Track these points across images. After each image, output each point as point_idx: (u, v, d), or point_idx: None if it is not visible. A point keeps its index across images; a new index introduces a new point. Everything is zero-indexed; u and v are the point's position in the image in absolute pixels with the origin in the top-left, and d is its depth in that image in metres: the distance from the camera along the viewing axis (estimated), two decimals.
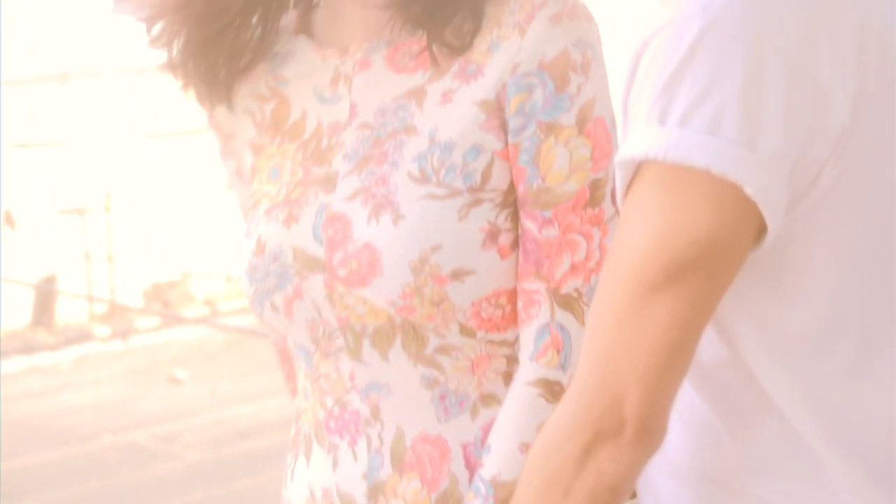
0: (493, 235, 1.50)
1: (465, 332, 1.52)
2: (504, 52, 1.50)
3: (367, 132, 1.56)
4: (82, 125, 11.21)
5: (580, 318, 1.50)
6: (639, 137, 1.25)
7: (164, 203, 10.84)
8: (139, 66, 13.49)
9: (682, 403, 1.38)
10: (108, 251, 10.37)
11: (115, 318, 10.15)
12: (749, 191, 1.22)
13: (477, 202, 1.50)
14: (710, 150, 1.21)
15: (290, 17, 1.66)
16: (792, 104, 1.23)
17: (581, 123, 1.48)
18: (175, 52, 1.62)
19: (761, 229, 1.26)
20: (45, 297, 10.08)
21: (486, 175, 1.50)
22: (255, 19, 1.61)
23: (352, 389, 1.57)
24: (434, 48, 1.53)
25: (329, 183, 1.56)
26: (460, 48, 1.52)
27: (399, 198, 1.51)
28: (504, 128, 1.50)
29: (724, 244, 1.23)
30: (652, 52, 1.25)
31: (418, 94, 1.54)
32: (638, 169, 1.25)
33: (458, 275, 1.49)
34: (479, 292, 1.50)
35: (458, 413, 1.55)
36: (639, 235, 1.24)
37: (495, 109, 1.50)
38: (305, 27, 1.64)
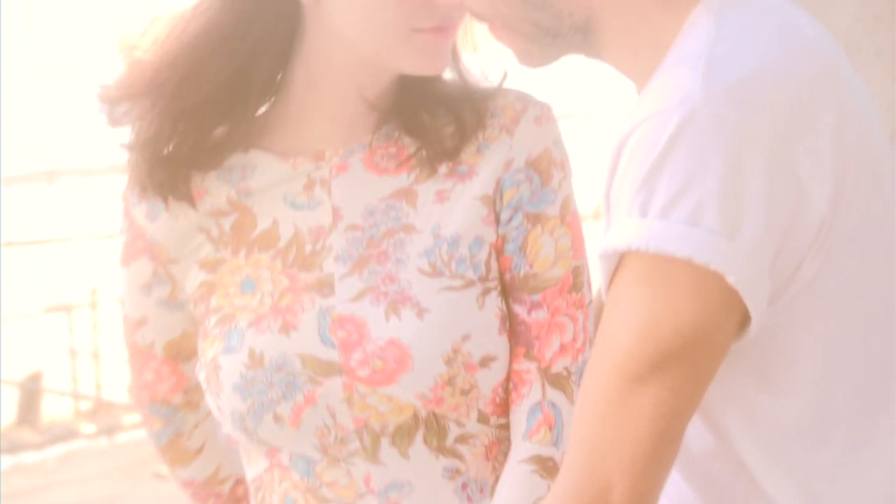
0: (503, 321, 1.57)
1: (482, 418, 1.56)
2: (495, 152, 1.60)
3: (357, 233, 1.59)
4: (69, 222, 11.22)
5: (570, 397, 1.55)
6: (621, 229, 1.26)
7: None
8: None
9: (671, 493, 1.38)
10: (94, 348, 10.33)
11: (100, 414, 10.08)
12: (731, 280, 1.23)
13: (487, 291, 1.57)
14: (692, 241, 1.22)
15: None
16: (771, 196, 1.24)
17: (563, 215, 1.59)
18: (142, 133, 1.62)
19: (745, 319, 1.26)
20: (31, 395, 10.02)
21: (489, 265, 1.58)
22: (223, 113, 1.60)
23: (367, 493, 1.57)
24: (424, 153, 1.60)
25: (325, 286, 1.57)
26: (453, 153, 1.59)
27: (416, 292, 1.55)
28: (497, 220, 1.59)
29: (707, 334, 1.24)
30: (633, 145, 1.27)
31: (408, 195, 1.59)
32: (621, 260, 1.27)
33: (485, 361, 1.55)
34: (498, 377, 1.56)
35: (479, 500, 1.58)
36: (623, 326, 1.25)
37: (491, 204, 1.59)
38: (256, 141, 1.64)
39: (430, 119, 1.61)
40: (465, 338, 1.54)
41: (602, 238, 1.30)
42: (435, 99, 1.62)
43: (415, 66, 1.55)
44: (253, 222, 1.61)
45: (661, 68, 1.31)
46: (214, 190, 1.62)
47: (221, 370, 1.57)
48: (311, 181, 1.60)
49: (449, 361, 1.53)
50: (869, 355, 1.34)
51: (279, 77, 1.61)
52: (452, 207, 1.59)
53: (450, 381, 1.53)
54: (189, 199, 1.61)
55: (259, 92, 1.59)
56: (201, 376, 1.61)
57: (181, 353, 1.70)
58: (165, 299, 1.67)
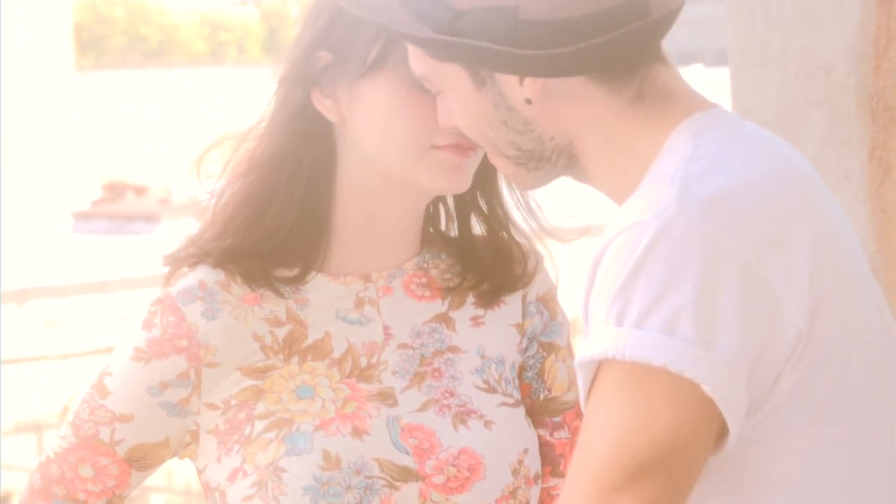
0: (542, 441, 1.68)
1: None
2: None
3: (409, 351, 1.65)
4: (41, 341, 11.17)
5: None
6: (598, 338, 1.26)
7: None
8: (100, 282, 13.52)
9: None
10: None
11: None
12: (707, 389, 1.22)
13: (525, 411, 1.67)
14: (667, 349, 1.22)
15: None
16: (746, 308, 1.25)
17: (568, 345, 1.73)
18: (219, 253, 1.64)
19: (723, 431, 1.26)
20: None
21: (520, 389, 1.69)
22: (291, 248, 1.65)
23: None
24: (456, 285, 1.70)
25: (388, 398, 1.62)
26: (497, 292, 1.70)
27: (478, 406, 1.63)
28: (519, 349, 1.70)
29: (684, 445, 1.23)
30: (609, 256, 1.28)
31: (446, 320, 1.68)
32: (598, 369, 1.27)
33: (537, 477, 1.64)
34: (539, 494, 1.64)
35: None
36: (601, 435, 1.25)
37: (522, 331, 1.70)
38: (316, 264, 1.67)
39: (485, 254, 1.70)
40: (525, 452, 1.62)
41: (580, 348, 1.31)
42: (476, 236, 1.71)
43: (435, 183, 1.60)
44: (304, 333, 1.64)
45: (640, 186, 1.33)
46: (272, 298, 1.64)
47: (286, 473, 1.57)
48: (360, 300, 1.65)
49: (514, 473, 1.60)
50: (850, 474, 1.33)
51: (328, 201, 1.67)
52: (490, 331, 1.68)
53: (513, 494, 1.60)
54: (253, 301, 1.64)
55: (318, 221, 1.64)
56: (244, 483, 1.59)
57: (145, 458, 1.66)
58: (174, 403, 1.63)
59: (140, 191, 20.54)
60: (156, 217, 18.01)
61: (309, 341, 1.63)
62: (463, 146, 1.57)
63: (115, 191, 20.89)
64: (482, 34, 1.35)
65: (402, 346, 1.65)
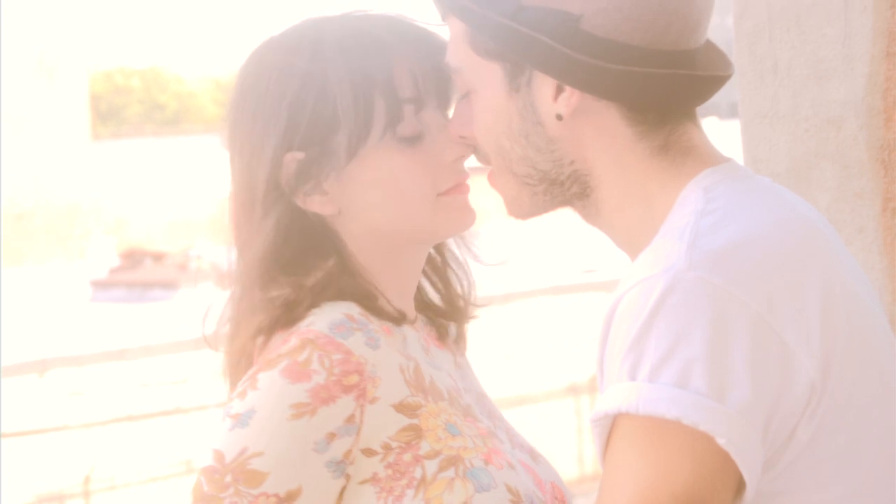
0: None
1: None
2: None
3: (471, 394, 1.68)
4: (62, 411, 11.16)
5: None
6: (611, 393, 1.27)
7: (144, 485, 10.69)
8: (120, 350, 13.53)
9: None
10: None
11: None
12: (721, 442, 1.23)
13: None
14: (680, 402, 1.23)
15: None
16: (758, 359, 1.25)
17: None
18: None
19: (740, 484, 1.26)
20: None
21: None
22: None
23: None
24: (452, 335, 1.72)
25: (495, 437, 1.63)
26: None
27: (530, 444, 1.69)
28: None
29: (702, 498, 1.23)
30: (621, 311, 1.29)
31: (462, 366, 1.71)
32: (614, 424, 1.27)
33: None
34: None
35: None
36: (619, 491, 1.25)
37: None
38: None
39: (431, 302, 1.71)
40: None
41: (595, 404, 1.31)
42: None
43: (451, 228, 1.60)
44: (421, 372, 1.58)
45: (652, 241, 1.34)
46: (395, 331, 1.60)
47: None
48: (424, 345, 1.64)
49: None
50: None
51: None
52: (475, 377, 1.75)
53: None
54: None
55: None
56: None
57: None
58: (339, 459, 1.48)
59: (158, 258, 20.58)
60: (174, 284, 18.03)
61: (427, 382, 1.58)
62: (462, 184, 1.58)
63: (133, 258, 20.93)
64: (541, 31, 1.37)
65: (465, 389, 1.66)
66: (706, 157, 1.42)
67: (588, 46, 1.36)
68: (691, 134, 1.43)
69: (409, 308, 1.64)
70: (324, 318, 1.51)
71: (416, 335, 1.62)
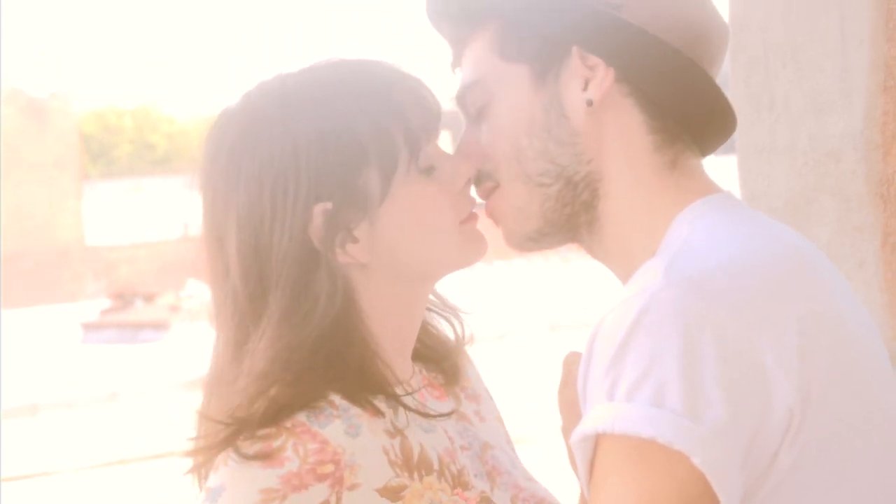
0: None
1: None
2: (471, 375, 1.76)
3: (468, 453, 1.62)
4: (54, 455, 11.11)
5: None
6: (590, 414, 1.28)
7: None
8: (111, 393, 13.50)
9: None
10: None
11: None
12: (696, 461, 1.22)
13: None
14: (656, 421, 1.23)
15: None
16: (733, 379, 1.25)
17: None
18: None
19: None
20: None
21: None
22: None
23: None
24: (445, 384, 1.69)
25: (488, 502, 1.60)
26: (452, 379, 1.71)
27: (543, 495, 1.65)
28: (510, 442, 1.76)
29: None
30: (601, 334, 1.30)
31: (462, 417, 1.67)
32: (596, 446, 1.28)
33: None
34: None
35: None
36: None
37: (502, 424, 1.76)
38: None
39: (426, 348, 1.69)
40: None
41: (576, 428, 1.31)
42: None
43: (469, 257, 1.58)
44: (409, 445, 1.54)
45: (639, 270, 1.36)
46: (384, 408, 1.55)
47: None
48: (417, 405, 1.59)
49: None
50: None
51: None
52: (491, 425, 1.72)
53: None
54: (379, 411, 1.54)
55: (356, 346, 1.55)
56: None
57: None
58: None
59: (149, 298, 20.54)
60: (165, 325, 18.00)
61: (416, 455, 1.54)
62: (475, 214, 1.58)
63: (123, 299, 20.88)
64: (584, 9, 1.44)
65: (462, 448, 1.62)
66: (704, 186, 1.46)
67: (622, 29, 1.44)
68: (695, 161, 1.48)
69: (407, 362, 1.61)
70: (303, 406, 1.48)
71: (410, 398, 1.57)
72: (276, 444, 1.44)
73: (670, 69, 1.43)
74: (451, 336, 1.71)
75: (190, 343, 16.49)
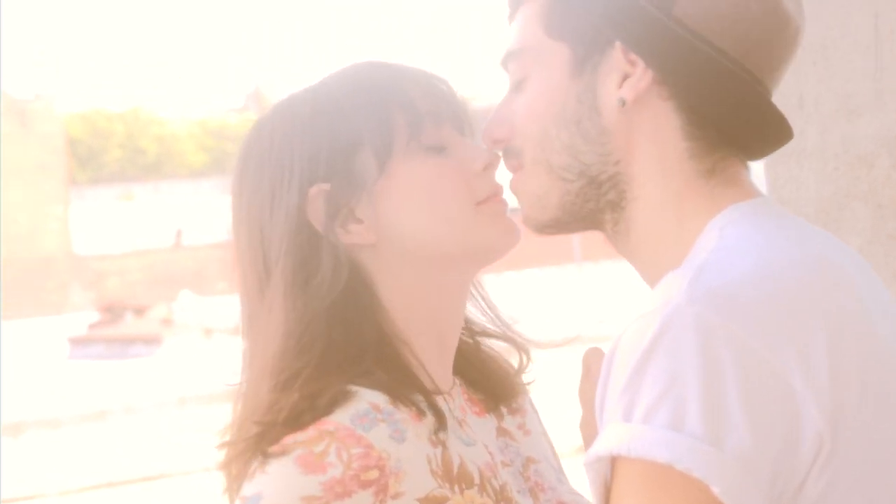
0: None
1: None
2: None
3: (510, 469, 1.63)
4: (38, 477, 11.12)
5: None
6: (605, 435, 1.26)
7: None
8: (99, 411, 13.51)
9: None
10: None
11: None
12: (716, 490, 1.20)
13: None
14: (673, 446, 1.21)
15: None
16: (758, 402, 1.23)
17: None
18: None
19: None
20: None
21: None
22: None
23: None
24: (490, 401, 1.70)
25: None
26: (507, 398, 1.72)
27: None
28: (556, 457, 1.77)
29: None
30: (620, 350, 1.28)
31: (503, 433, 1.68)
32: (613, 468, 1.26)
33: None
34: None
35: None
36: None
37: (547, 440, 1.76)
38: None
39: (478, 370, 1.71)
40: None
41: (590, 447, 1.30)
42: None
43: (496, 240, 1.58)
44: (449, 458, 1.54)
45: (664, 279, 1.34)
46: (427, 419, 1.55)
47: None
48: (458, 419, 1.60)
49: None
50: None
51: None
52: (537, 439, 1.72)
53: None
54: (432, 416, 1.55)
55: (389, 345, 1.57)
56: None
57: None
58: None
59: (139, 311, 20.56)
60: (157, 339, 18.01)
61: (456, 468, 1.55)
62: (499, 193, 1.58)
63: (112, 313, 20.91)
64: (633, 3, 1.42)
65: (504, 463, 1.63)
66: (740, 192, 1.43)
67: (671, 27, 1.41)
68: (738, 168, 1.45)
69: (447, 372, 1.62)
70: (347, 410, 1.47)
71: (449, 408, 1.58)
72: (317, 448, 1.43)
73: (715, 76, 1.40)
74: (514, 363, 1.72)
75: (183, 359, 16.47)
